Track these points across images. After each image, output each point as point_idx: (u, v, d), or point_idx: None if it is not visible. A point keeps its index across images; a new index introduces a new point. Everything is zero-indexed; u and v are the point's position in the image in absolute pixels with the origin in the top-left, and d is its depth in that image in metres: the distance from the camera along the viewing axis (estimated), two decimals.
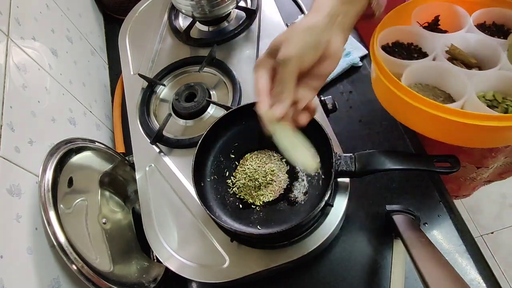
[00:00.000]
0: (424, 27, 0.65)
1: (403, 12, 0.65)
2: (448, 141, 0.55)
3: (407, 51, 0.65)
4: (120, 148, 0.80)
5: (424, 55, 0.64)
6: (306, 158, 0.48)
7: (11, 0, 0.63)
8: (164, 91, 0.79)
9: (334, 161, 0.55)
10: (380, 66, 0.57)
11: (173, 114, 0.73)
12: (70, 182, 0.60)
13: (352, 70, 0.83)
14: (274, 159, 0.63)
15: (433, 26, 0.66)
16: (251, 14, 0.82)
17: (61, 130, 0.67)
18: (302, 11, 0.96)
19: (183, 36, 0.82)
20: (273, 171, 0.61)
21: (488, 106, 0.53)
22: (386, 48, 0.65)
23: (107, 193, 0.68)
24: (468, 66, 0.59)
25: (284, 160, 0.63)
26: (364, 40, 0.90)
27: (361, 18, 0.49)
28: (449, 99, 0.59)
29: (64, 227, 0.53)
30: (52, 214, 0.53)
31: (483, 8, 0.62)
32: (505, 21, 0.63)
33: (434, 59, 0.60)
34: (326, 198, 0.53)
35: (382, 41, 0.64)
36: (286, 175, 0.61)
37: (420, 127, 0.58)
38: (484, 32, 0.60)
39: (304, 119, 0.46)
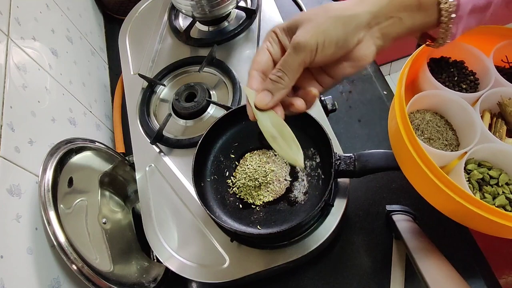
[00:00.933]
0: (506, 68, 0.53)
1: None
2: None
3: (458, 71, 0.52)
4: (120, 148, 0.80)
5: (468, 80, 0.51)
6: (291, 151, 0.42)
7: (11, 0, 0.63)
8: (164, 91, 0.79)
9: (334, 161, 0.55)
10: (418, 148, 0.41)
11: (173, 114, 0.73)
12: (70, 182, 0.60)
13: None
14: (274, 159, 0.63)
15: None
16: (251, 14, 0.82)
17: (61, 130, 0.67)
18: (302, 11, 0.96)
19: (183, 36, 0.82)
20: (273, 171, 0.61)
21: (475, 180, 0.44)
22: (429, 65, 0.52)
23: (107, 193, 0.68)
24: (511, 132, 0.48)
25: (285, 160, 0.63)
26: None
27: (421, 37, 0.41)
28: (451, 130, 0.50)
29: (64, 227, 0.53)
30: (52, 214, 0.53)
31: None
32: None
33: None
34: (326, 198, 0.53)
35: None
36: (287, 176, 0.61)
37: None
38: None
39: (299, 105, 0.40)
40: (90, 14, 1.01)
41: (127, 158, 0.74)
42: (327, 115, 0.67)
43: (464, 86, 0.50)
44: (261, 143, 0.64)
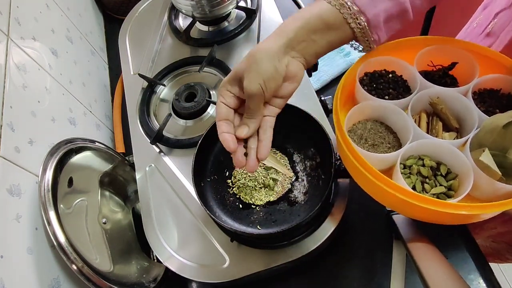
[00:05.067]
0: (434, 71, 0.58)
1: (403, 48, 0.56)
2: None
3: (390, 80, 0.57)
4: (120, 148, 0.80)
5: (402, 86, 0.57)
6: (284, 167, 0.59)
7: (11, 0, 0.63)
8: (164, 91, 0.79)
9: (334, 161, 0.55)
10: (351, 149, 0.47)
11: (173, 114, 0.73)
12: (70, 182, 0.60)
13: None
14: (275, 160, 0.63)
15: (445, 71, 0.57)
16: (251, 14, 0.82)
17: (61, 130, 0.67)
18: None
19: (183, 36, 0.82)
20: (273, 171, 0.61)
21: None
22: (363, 79, 0.58)
23: (107, 193, 0.68)
24: (448, 128, 0.52)
25: (284, 161, 0.63)
26: None
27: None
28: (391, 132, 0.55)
29: (64, 227, 0.53)
30: (52, 214, 0.53)
31: (500, 73, 0.52)
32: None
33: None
34: (326, 198, 0.53)
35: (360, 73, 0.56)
36: (287, 176, 0.61)
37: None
38: (479, 98, 0.53)
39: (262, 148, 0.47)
40: (90, 14, 1.01)
41: (127, 158, 0.74)
42: (327, 115, 0.67)
43: (394, 93, 0.56)
44: None
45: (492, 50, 0.53)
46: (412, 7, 0.46)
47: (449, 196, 0.48)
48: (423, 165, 0.50)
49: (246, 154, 0.46)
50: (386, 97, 0.55)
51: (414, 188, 0.48)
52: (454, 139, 0.50)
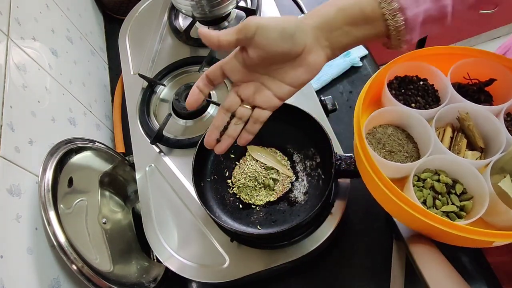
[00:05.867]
0: (469, 85, 0.55)
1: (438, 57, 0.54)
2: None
3: (421, 88, 0.56)
4: (120, 148, 0.80)
5: (432, 96, 0.55)
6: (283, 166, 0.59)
7: (11, 0, 0.63)
8: (164, 91, 0.79)
9: (334, 161, 0.55)
10: (371, 163, 0.46)
11: (173, 114, 0.73)
12: (70, 182, 0.60)
13: (352, 70, 0.83)
14: (275, 160, 0.62)
15: (481, 87, 0.54)
16: (251, 14, 0.82)
17: (61, 130, 0.67)
18: (302, 11, 0.96)
19: (183, 36, 0.82)
20: (273, 171, 0.61)
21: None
22: (392, 82, 0.56)
23: (107, 193, 0.68)
24: (472, 146, 0.50)
25: (284, 161, 0.63)
26: None
27: (382, 44, 0.44)
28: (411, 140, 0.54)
29: (64, 227, 0.53)
30: (52, 214, 0.53)
31: None
32: None
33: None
34: (326, 198, 0.53)
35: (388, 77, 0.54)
36: (287, 176, 0.61)
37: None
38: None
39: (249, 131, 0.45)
40: (90, 14, 1.01)
41: (127, 158, 0.74)
42: (327, 115, 0.67)
43: (422, 102, 0.54)
44: (261, 143, 0.64)
45: None
46: (453, 12, 0.42)
47: (460, 217, 0.46)
48: (438, 181, 0.48)
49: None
50: (413, 104, 0.53)
51: (424, 202, 0.47)
52: (477, 159, 0.48)
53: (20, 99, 0.57)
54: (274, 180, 0.61)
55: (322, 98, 0.69)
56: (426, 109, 0.52)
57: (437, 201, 0.47)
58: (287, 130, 0.64)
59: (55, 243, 0.52)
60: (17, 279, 0.46)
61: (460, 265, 0.60)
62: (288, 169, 0.62)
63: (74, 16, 0.89)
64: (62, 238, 0.52)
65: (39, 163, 0.56)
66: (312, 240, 0.57)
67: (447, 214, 0.46)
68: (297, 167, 0.62)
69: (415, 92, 0.55)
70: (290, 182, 0.61)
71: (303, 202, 0.59)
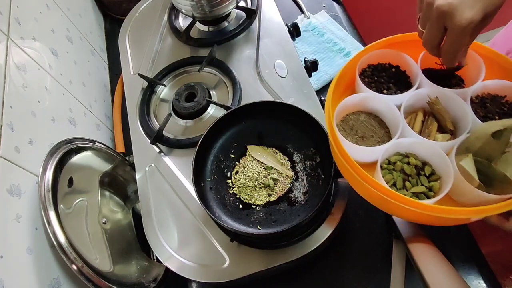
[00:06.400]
0: (440, 70, 0.57)
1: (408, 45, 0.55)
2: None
3: (393, 74, 0.57)
4: (120, 148, 0.80)
5: (404, 82, 0.56)
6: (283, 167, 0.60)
7: (11, 0, 0.63)
8: (164, 91, 0.79)
9: (333, 161, 0.55)
10: (339, 147, 0.47)
11: (173, 114, 0.73)
12: (70, 182, 0.60)
13: None
14: (275, 159, 0.63)
15: (452, 71, 0.56)
16: (251, 14, 0.82)
17: (61, 130, 0.67)
18: (302, 11, 0.96)
19: (183, 36, 0.82)
20: (273, 171, 0.61)
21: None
22: (365, 70, 0.58)
23: (107, 193, 0.68)
24: (442, 128, 0.52)
25: (284, 161, 0.63)
26: (364, 40, 0.90)
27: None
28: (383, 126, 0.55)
29: (64, 227, 0.53)
30: (52, 214, 0.53)
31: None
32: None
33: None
34: (326, 198, 0.53)
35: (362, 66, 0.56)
36: (287, 176, 0.61)
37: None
38: (480, 103, 0.52)
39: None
40: (90, 14, 1.01)
41: (127, 158, 0.74)
42: None
43: (394, 88, 0.56)
44: (262, 143, 0.64)
45: (503, 56, 0.51)
46: None
47: (428, 197, 0.47)
48: (408, 163, 0.50)
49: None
50: (385, 91, 0.55)
51: (394, 184, 0.48)
52: (447, 140, 0.50)
53: (20, 99, 0.57)
54: (274, 180, 0.61)
55: (322, 98, 0.69)
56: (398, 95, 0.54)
57: (407, 183, 0.49)
58: (287, 130, 0.64)
59: (55, 243, 0.52)
60: (17, 279, 0.46)
61: (454, 257, 0.60)
62: (288, 169, 0.62)
63: (74, 16, 0.89)
64: (62, 238, 0.52)
65: (39, 163, 0.56)
66: (312, 240, 0.57)
67: (416, 195, 0.48)
68: (297, 167, 0.62)
69: (387, 79, 0.57)
70: (290, 182, 0.61)
71: (303, 202, 0.59)
